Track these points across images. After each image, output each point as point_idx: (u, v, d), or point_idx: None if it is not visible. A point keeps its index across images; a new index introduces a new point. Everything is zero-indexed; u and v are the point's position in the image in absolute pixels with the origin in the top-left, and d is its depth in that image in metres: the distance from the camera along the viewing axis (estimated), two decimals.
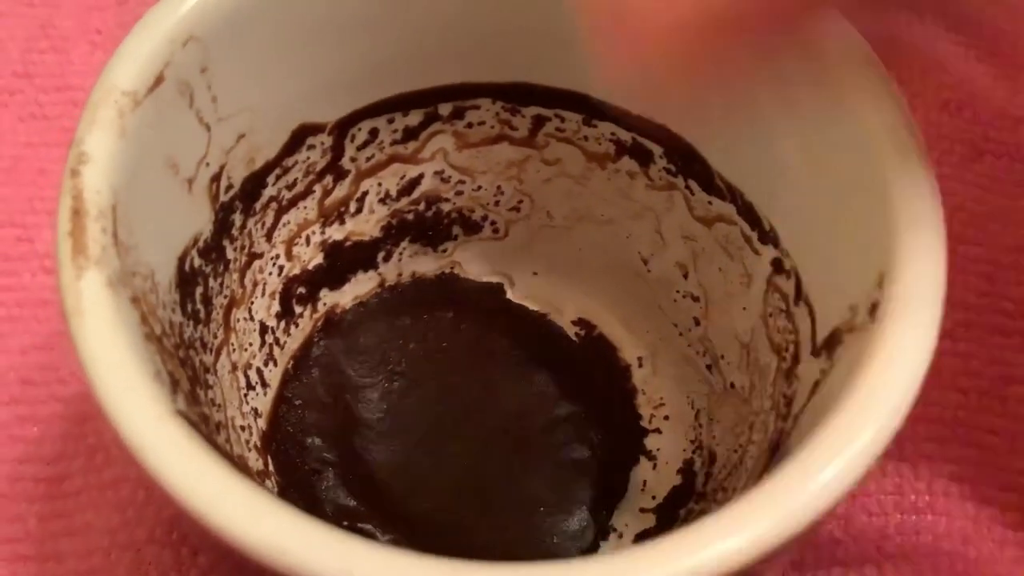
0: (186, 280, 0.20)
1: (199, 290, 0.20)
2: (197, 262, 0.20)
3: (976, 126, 0.28)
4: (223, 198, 0.21)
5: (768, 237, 0.21)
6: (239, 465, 0.20)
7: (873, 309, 0.17)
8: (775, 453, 0.19)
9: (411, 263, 0.26)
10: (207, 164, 0.20)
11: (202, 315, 0.20)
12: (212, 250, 0.21)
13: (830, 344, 0.18)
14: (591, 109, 0.23)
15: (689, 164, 0.22)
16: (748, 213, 0.21)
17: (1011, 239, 0.27)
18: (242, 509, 0.14)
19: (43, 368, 0.25)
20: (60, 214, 0.17)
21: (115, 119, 0.18)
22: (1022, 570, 0.23)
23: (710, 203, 0.22)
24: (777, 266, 0.21)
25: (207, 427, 0.18)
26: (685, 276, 0.24)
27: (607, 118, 0.23)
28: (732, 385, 0.23)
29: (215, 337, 0.21)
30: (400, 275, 0.26)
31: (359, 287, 0.25)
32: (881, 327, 0.16)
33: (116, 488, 0.24)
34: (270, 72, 0.20)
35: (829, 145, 0.19)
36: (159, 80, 0.18)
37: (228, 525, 0.14)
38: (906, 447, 0.24)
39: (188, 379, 0.18)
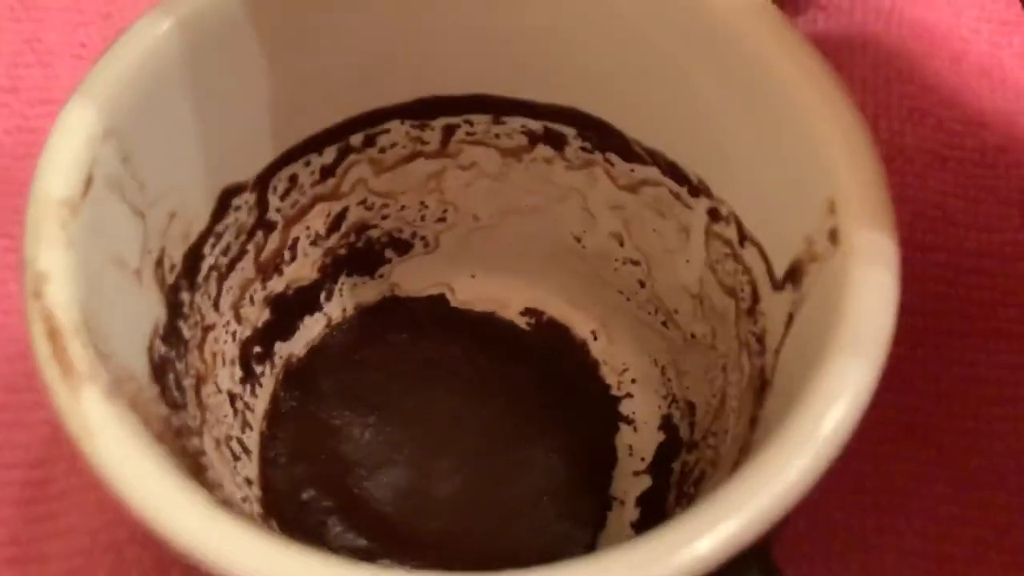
0: (157, 371, 0.19)
1: (171, 377, 0.20)
2: (162, 349, 0.20)
3: (939, 133, 0.29)
4: (169, 280, 0.20)
5: (698, 190, 0.22)
6: None
7: (833, 235, 0.18)
8: (764, 389, 0.20)
9: (352, 296, 0.26)
10: (149, 251, 0.20)
11: (179, 401, 0.20)
12: (171, 334, 0.20)
13: (793, 276, 0.19)
14: (497, 107, 0.23)
15: (605, 139, 0.23)
16: (673, 172, 0.22)
17: (973, 243, 0.27)
18: None
19: (28, 375, 0.25)
20: (35, 341, 0.16)
21: (59, 232, 0.17)
22: (976, 567, 0.24)
23: (632, 170, 0.23)
24: (713, 215, 0.22)
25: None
26: (621, 244, 0.25)
27: (515, 112, 0.23)
28: (693, 336, 0.24)
29: (195, 419, 0.21)
30: (344, 310, 0.26)
31: (308, 332, 0.25)
32: (846, 252, 0.17)
33: (97, 489, 0.24)
34: (187, 146, 0.20)
35: (748, 91, 0.19)
36: (89, 181, 0.18)
37: None
38: (865, 447, 0.25)
39: (189, 468, 0.18)
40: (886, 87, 0.29)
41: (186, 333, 0.21)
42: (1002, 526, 0.24)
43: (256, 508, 0.22)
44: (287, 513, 0.23)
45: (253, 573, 0.15)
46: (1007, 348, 0.26)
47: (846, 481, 0.25)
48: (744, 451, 0.20)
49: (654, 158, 0.22)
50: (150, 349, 0.19)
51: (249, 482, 0.23)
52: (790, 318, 0.19)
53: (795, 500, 0.15)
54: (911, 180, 0.28)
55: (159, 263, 0.20)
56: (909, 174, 0.28)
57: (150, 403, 0.18)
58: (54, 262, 0.17)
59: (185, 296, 0.21)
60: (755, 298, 0.21)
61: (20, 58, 0.30)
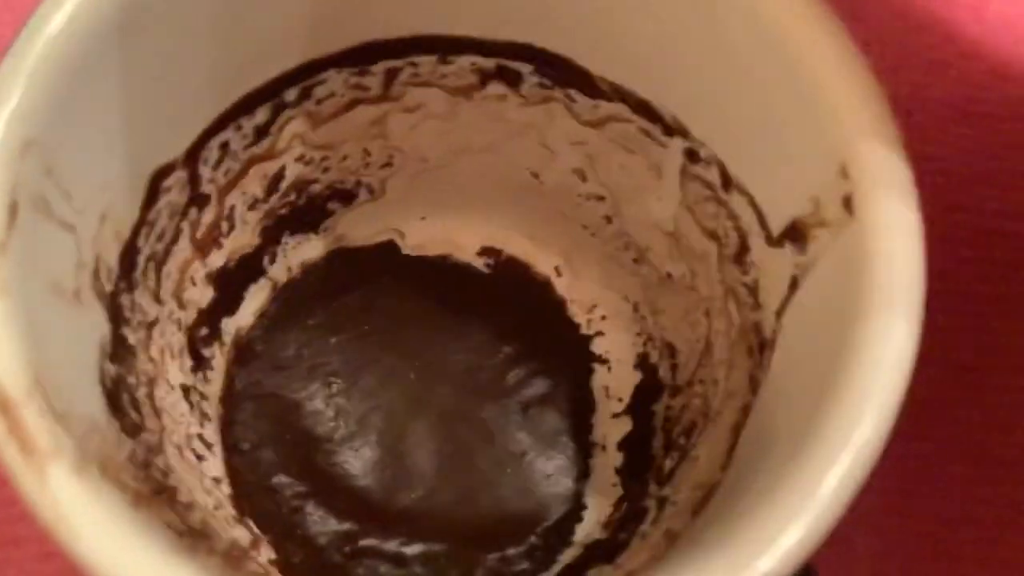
0: (112, 398, 0.18)
1: (125, 397, 0.18)
2: (112, 370, 0.18)
3: (961, 86, 0.26)
4: (108, 288, 0.18)
5: (672, 129, 0.20)
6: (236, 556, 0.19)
7: (847, 203, 0.16)
8: (763, 349, 0.19)
9: (296, 254, 0.24)
10: (83, 265, 0.18)
11: (138, 421, 0.18)
12: (118, 347, 0.18)
13: (795, 236, 0.18)
14: (443, 47, 0.21)
15: (566, 75, 0.21)
16: (644, 110, 0.21)
17: (996, 203, 0.26)
18: None
19: None
20: None
21: None
22: (996, 549, 0.23)
23: (596, 107, 0.21)
24: (692, 156, 0.20)
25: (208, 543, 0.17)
26: (584, 180, 0.23)
27: (463, 51, 0.21)
28: (669, 275, 0.23)
29: (154, 433, 0.19)
30: (290, 270, 0.24)
31: (254, 301, 0.23)
32: (865, 223, 0.16)
33: None
34: (111, 135, 0.18)
35: (738, 35, 0.18)
36: (14, 208, 0.16)
37: None
38: None
39: (167, 503, 0.17)
40: (905, 38, 0.27)
41: (131, 339, 0.19)
42: (1022, 505, 0.23)
43: (229, 511, 0.21)
44: (260, 506, 0.22)
45: None
46: None
47: None
48: (746, 412, 0.19)
49: (622, 95, 0.21)
50: (101, 376, 0.17)
51: (217, 481, 0.21)
52: (794, 281, 0.18)
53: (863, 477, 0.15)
54: (932, 136, 0.26)
55: (95, 274, 0.18)
56: (930, 129, 0.26)
57: (114, 449, 0.16)
58: None
59: (125, 299, 0.19)
60: (743, 246, 0.20)
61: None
